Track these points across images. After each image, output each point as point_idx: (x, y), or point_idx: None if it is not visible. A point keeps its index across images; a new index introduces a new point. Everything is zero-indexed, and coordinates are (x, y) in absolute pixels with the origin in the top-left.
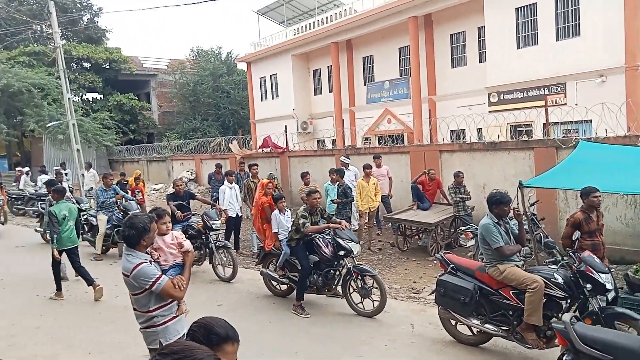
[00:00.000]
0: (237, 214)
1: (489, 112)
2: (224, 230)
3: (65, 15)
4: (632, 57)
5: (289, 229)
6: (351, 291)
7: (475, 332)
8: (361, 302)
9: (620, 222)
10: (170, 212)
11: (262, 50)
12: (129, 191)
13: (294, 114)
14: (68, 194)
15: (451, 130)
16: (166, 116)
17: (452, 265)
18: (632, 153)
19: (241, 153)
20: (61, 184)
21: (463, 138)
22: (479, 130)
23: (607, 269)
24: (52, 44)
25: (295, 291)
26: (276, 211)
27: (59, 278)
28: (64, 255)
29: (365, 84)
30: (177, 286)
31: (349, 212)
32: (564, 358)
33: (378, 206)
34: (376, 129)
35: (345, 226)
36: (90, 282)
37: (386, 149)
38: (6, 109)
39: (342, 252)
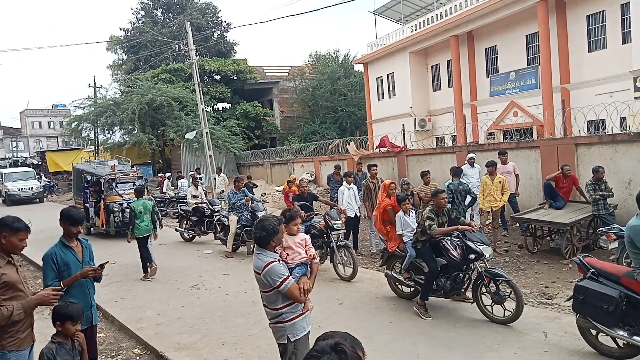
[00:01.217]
0: (355, 214)
1: (635, 98)
2: (345, 230)
3: (199, 33)
4: None
5: (414, 231)
6: (483, 297)
7: (622, 345)
8: (491, 307)
9: None
10: None
11: (379, 50)
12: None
13: (412, 111)
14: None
15: (588, 121)
16: (287, 121)
17: (592, 270)
18: None
19: (358, 154)
20: (197, 187)
21: (603, 129)
22: (623, 119)
23: None
24: (189, 61)
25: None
26: (400, 212)
27: (145, 263)
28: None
29: (488, 77)
30: (302, 290)
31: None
32: None
33: (503, 206)
34: (501, 123)
35: (476, 227)
36: (147, 262)
37: (512, 144)
38: (151, 121)
39: (472, 256)
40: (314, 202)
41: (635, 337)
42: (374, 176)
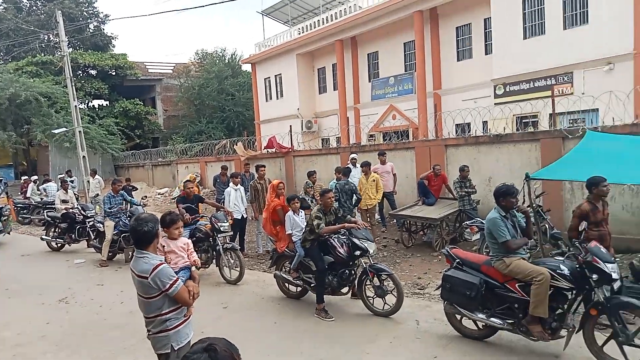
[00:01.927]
0: (242, 215)
1: (495, 104)
2: (231, 233)
3: (72, 24)
4: None
5: (303, 230)
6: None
7: (481, 326)
8: (373, 300)
9: (627, 211)
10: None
11: (267, 51)
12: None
13: (299, 113)
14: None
15: (456, 124)
16: (171, 120)
17: (458, 260)
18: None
19: (246, 154)
20: (67, 191)
21: (469, 132)
22: (485, 123)
23: (613, 258)
24: (59, 53)
25: (311, 293)
26: (290, 212)
27: None
28: None
29: (370, 81)
30: (191, 293)
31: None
32: None
33: (380, 203)
34: (381, 125)
35: (362, 225)
36: None
37: (391, 146)
38: (14, 118)
39: (357, 252)
40: (199, 204)
41: (492, 319)
42: (262, 177)
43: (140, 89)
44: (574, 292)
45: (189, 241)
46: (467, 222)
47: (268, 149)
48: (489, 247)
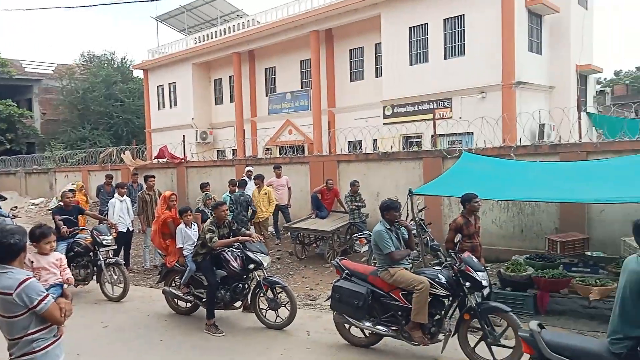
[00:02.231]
0: (128, 228)
1: (384, 124)
2: (115, 246)
3: None
4: (508, 76)
5: (195, 244)
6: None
7: (367, 334)
8: (266, 312)
9: (495, 225)
10: (55, 227)
11: (161, 58)
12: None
13: (193, 123)
14: None
15: (349, 141)
16: (51, 125)
17: (347, 271)
18: (507, 165)
19: (134, 164)
20: None
21: (360, 149)
22: (375, 141)
23: (483, 267)
24: None
25: (202, 308)
26: (182, 225)
27: None
28: None
29: (267, 95)
30: (63, 312)
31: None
32: None
33: (274, 216)
34: (277, 139)
35: (256, 238)
36: None
37: (287, 159)
38: None
39: (251, 265)
40: (79, 215)
41: (378, 327)
42: (151, 188)
43: (13, 89)
44: (450, 298)
45: (63, 256)
46: (357, 235)
47: (159, 159)
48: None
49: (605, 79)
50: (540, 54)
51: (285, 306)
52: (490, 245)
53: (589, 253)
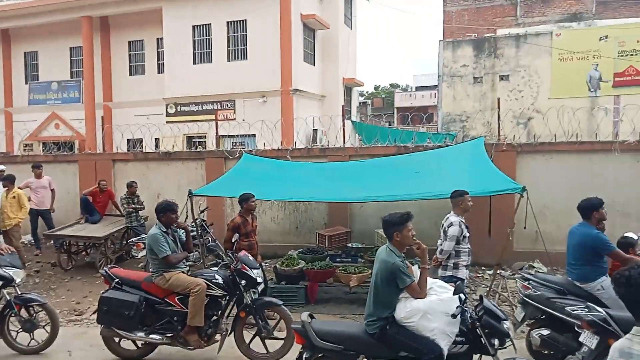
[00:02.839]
0: None
1: (167, 122)
2: None
3: None
4: (286, 83)
5: None
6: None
7: (140, 345)
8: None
9: (274, 222)
10: None
11: None
12: None
13: None
14: None
15: (128, 139)
16: None
17: (117, 280)
18: (284, 166)
19: None
20: None
21: (140, 147)
22: (157, 140)
23: (258, 265)
24: None
25: None
26: None
27: None
28: None
29: (27, 83)
30: None
31: None
32: (304, 356)
33: (33, 223)
34: (40, 134)
35: (5, 250)
36: None
37: (50, 157)
38: None
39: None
40: None
41: (152, 335)
42: None
43: None
44: (227, 298)
45: None
46: (134, 239)
47: None
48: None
49: (367, 92)
50: (314, 65)
51: (44, 327)
52: (269, 242)
53: (350, 245)
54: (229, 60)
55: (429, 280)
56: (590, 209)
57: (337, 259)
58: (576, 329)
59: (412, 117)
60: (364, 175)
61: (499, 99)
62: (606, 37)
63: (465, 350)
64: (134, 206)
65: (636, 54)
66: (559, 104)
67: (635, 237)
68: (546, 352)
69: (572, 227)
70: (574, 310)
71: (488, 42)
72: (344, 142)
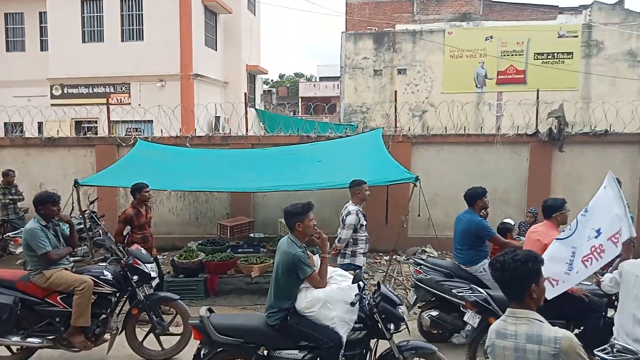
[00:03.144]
0: None
1: (52, 105)
2: None
3: None
4: (186, 67)
5: None
6: None
7: (16, 350)
8: None
9: (172, 213)
10: None
11: None
12: None
13: None
14: None
15: (4, 123)
16: None
17: None
18: (183, 153)
19: None
20: None
21: (21, 132)
22: (40, 124)
23: (152, 258)
24: None
25: None
26: None
27: None
28: None
29: None
30: None
31: None
32: (202, 352)
33: None
34: None
35: None
36: None
37: None
38: None
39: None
40: None
41: (30, 339)
42: None
43: None
44: (118, 295)
45: None
46: (11, 234)
47: None
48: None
49: (272, 80)
50: (216, 50)
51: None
52: (168, 233)
53: (252, 235)
54: (123, 40)
55: (330, 269)
56: (475, 197)
57: (239, 250)
58: (461, 309)
59: (315, 107)
60: (267, 164)
61: (396, 91)
62: (491, 37)
63: (363, 336)
64: (10, 197)
65: (516, 55)
66: (450, 98)
67: (512, 223)
68: (435, 331)
69: (458, 214)
70: (459, 292)
71: (387, 36)
72: (247, 131)
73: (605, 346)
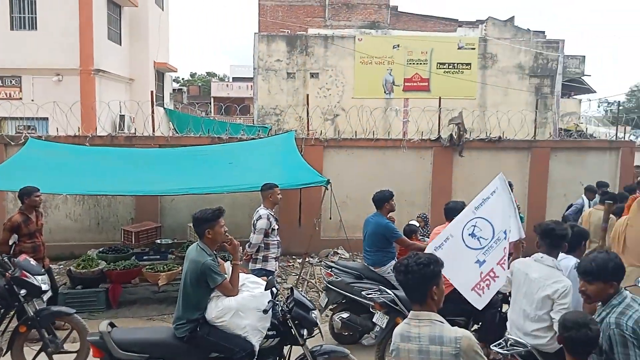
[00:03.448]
0: None
1: None
2: None
3: None
4: (87, 61)
5: None
6: None
7: None
8: None
9: (70, 219)
10: None
11: None
12: None
13: None
14: None
15: None
16: None
17: None
18: (82, 153)
19: None
20: None
21: None
22: None
23: (43, 270)
24: None
25: None
26: None
27: None
28: None
29: None
30: None
31: None
32: None
33: None
34: None
35: None
36: None
37: None
38: None
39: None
40: None
41: None
42: None
43: None
44: (3, 311)
45: None
46: None
47: None
48: None
49: (182, 79)
50: (120, 45)
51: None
52: (65, 241)
53: (159, 241)
54: (12, 28)
55: (242, 276)
56: (382, 200)
57: (145, 257)
58: (371, 310)
59: (227, 108)
60: (175, 166)
61: (308, 95)
62: (398, 46)
63: (276, 343)
64: None
65: (421, 63)
66: (360, 103)
67: (417, 225)
68: (346, 333)
69: (367, 217)
70: (368, 294)
71: (300, 39)
72: (154, 131)
73: (500, 341)
